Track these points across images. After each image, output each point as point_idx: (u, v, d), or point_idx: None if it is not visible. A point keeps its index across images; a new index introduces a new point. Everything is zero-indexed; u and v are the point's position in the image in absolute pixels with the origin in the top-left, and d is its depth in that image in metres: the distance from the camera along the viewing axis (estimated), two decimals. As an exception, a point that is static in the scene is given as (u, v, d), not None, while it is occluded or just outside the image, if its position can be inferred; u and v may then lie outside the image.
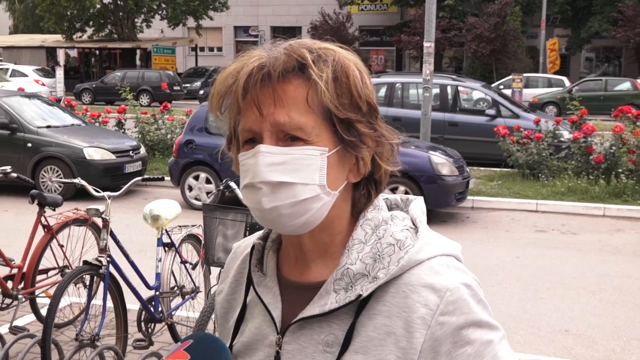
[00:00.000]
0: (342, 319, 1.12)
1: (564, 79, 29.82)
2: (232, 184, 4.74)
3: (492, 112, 13.93)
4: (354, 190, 1.18)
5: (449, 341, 1.08)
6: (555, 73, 31.68)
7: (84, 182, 4.83)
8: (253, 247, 1.26)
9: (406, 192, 9.25)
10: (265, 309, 1.19)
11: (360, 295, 1.11)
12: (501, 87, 25.63)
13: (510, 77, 24.42)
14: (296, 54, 1.11)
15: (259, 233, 1.29)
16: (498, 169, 12.96)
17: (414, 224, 1.18)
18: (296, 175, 1.09)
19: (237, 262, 1.32)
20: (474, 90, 15.11)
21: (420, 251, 1.13)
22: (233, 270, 1.32)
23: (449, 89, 14.34)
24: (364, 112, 1.13)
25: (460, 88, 14.63)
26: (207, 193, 10.07)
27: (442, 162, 9.52)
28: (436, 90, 13.79)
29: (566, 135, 12.54)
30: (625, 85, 27.41)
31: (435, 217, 9.77)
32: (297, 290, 1.18)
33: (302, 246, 1.18)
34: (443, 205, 9.79)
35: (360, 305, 1.12)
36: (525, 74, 26.69)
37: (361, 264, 1.13)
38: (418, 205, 1.22)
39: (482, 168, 13.16)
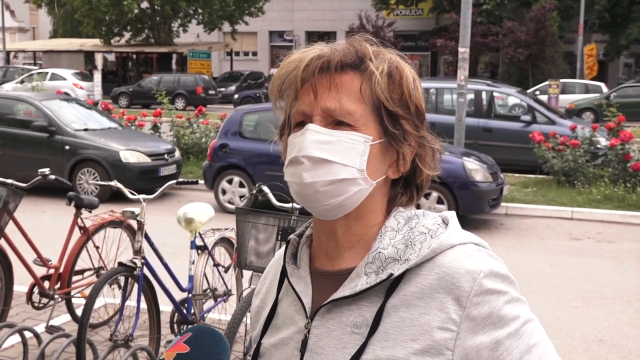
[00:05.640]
0: (372, 300, 1.15)
1: (602, 85, 29.34)
2: (265, 188, 4.76)
3: (527, 118, 13.81)
4: (392, 188, 1.22)
5: (488, 322, 1.10)
6: (592, 79, 31.23)
7: (119, 185, 4.90)
8: (288, 242, 1.31)
9: (439, 198, 9.20)
10: (297, 297, 1.23)
11: (391, 274, 1.13)
12: (537, 93, 25.34)
13: (547, 82, 24.15)
14: (357, 47, 1.19)
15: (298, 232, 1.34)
16: (533, 176, 12.83)
17: (444, 222, 1.23)
18: (338, 155, 1.15)
19: (274, 266, 1.36)
20: (509, 96, 14.97)
21: (451, 236, 1.17)
22: (271, 273, 1.37)
23: (483, 95, 14.24)
24: (411, 112, 1.19)
25: (495, 94, 14.52)
26: (241, 197, 10.13)
27: (475, 168, 9.46)
28: (471, 96, 13.71)
29: (603, 142, 12.37)
30: (665, 92, 26.88)
31: (469, 223, 9.70)
32: (327, 279, 1.22)
33: (336, 235, 1.21)
34: (476, 211, 9.72)
35: (390, 288, 1.14)
36: (562, 80, 26.36)
37: (393, 249, 1.16)
38: (450, 213, 1.26)
39: (516, 174, 13.04)
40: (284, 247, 1.37)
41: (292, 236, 1.31)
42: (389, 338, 1.12)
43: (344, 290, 1.16)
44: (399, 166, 1.20)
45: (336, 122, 1.16)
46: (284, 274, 1.28)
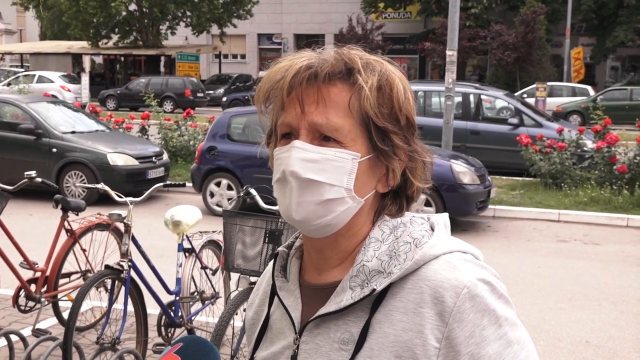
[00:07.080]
0: (359, 316, 1.12)
1: (589, 88, 29.54)
2: (253, 191, 4.77)
3: (514, 120, 13.86)
4: (381, 200, 1.19)
5: (471, 342, 1.06)
6: (579, 82, 31.41)
7: (107, 188, 4.89)
8: (277, 255, 1.28)
9: (427, 201, 9.24)
10: (286, 312, 1.21)
11: (374, 290, 1.11)
12: (525, 95, 25.43)
13: (534, 85, 24.26)
14: (346, 58, 1.15)
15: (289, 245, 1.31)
16: (520, 178, 12.89)
17: (432, 229, 1.19)
18: (325, 174, 1.11)
19: (267, 276, 1.34)
20: (496, 99, 15.04)
21: (435, 246, 1.13)
22: (264, 283, 1.34)
23: (471, 98, 14.29)
24: (401, 125, 1.15)
25: (482, 96, 14.58)
26: (229, 199, 10.12)
27: (463, 171, 9.49)
28: (459, 99, 13.75)
29: (589, 144, 12.44)
30: (651, 95, 27.08)
31: (457, 225, 9.73)
32: (316, 292, 1.19)
33: (324, 252, 1.19)
34: (464, 214, 9.75)
35: (376, 302, 1.11)
36: (549, 83, 26.49)
37: (377, 261, 1.13)
38: (440, 217, 1.23)
39: (504, 177, 13.09)
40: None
41: (280, 248, 1.29)
42: (373, 355, 1.09)
43: (330, 306, 1.14)
44: (389, 180, 1.16)
45: (323, 137, 1.12)
46: (273, 287, 1.26)
